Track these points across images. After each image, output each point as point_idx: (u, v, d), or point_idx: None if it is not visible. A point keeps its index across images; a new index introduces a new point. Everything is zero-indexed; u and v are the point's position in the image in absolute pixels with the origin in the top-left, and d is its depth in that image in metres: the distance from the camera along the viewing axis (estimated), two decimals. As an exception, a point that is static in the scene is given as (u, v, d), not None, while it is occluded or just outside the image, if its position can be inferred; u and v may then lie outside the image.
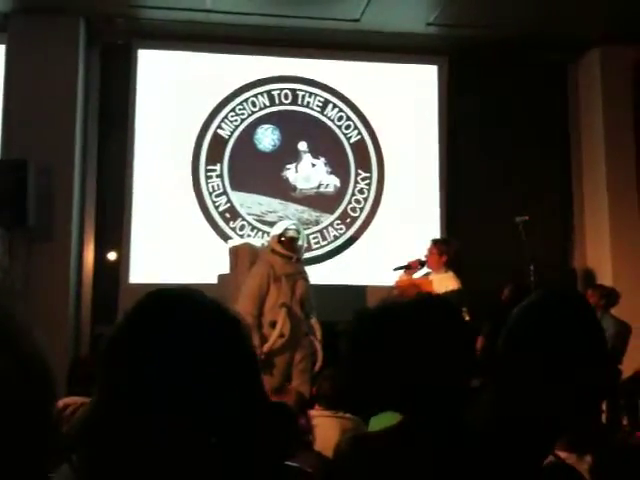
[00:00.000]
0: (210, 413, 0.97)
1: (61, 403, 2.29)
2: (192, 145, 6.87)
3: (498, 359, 1.43)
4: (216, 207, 6.83)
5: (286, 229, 5.44)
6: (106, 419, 0.98)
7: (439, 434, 1.35)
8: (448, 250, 5.58)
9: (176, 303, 1.04)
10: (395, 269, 5.69)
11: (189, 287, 1.07)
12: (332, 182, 7.02)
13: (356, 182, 7.07)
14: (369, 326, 1.46)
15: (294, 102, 7.09)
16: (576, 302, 1.46)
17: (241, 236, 6.65)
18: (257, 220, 6.84)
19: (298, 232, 5.45)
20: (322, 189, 7.00)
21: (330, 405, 3.63)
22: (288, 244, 5.33)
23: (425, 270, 5.68)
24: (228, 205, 6.86)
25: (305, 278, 5.36)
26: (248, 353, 1.05)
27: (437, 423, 1.37)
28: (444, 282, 5.33)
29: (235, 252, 5.74)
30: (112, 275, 6.61)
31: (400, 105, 7.18)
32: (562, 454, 1.83)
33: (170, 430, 0.95)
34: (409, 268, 5.63)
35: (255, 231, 6.80)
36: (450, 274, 5.48)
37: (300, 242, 5.44)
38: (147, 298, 1.04)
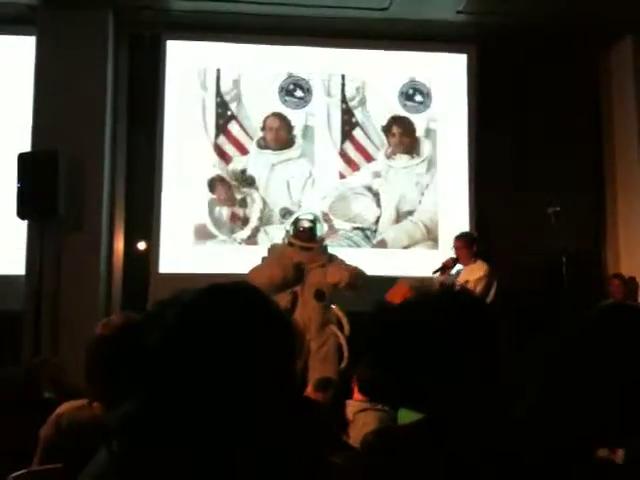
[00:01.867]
0: (250, 407, 0.97)
1: (57, 413, 2.26)
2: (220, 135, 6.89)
3: (549, 362, 1.40)
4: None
5: (299, 219, 5.44)
6: (153, 413, 0.99)
7: (459, 433, 1.34)
8: (474, 240, 5.60)
9: (228, 301, 1.05)
10: (434, 272, 5.66)
11: (240, 283, 1.09)
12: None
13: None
14: (388, 323, 1.44)
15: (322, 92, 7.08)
16: None
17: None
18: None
19: (313, 222, 5.43)
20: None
21: (368, 393, 3.55)
22: (304, 234, 5.32)
23: (458, 266, 5.68)
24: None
25: (325, 267, 5.25)
26: (292, 351, 1.07)
27: (458, 421, 1.35)
28: (474, 271, 5.35)
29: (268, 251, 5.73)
30: (142, 265, 6.67)
31: (429, 94, 7.13)
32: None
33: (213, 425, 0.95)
34: (445, 268, 5.63)
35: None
36: (479, 262, 5.49)
37: (318, 232, 5.42)
38: (201, 296, 1.05)
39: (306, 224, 5.37)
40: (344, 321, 5.20)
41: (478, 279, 5.28)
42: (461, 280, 5.35)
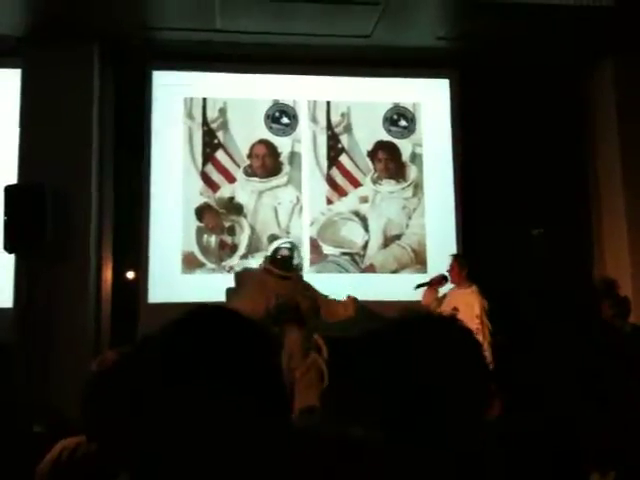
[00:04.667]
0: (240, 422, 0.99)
1: (56, 450, 2.24)
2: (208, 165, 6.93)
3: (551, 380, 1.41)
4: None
5: (278, 248, 5.47)
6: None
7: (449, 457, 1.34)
8: (468, 263, 5.60)
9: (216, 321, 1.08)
10: (417, 286, 5.68)
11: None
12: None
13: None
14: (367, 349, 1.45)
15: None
16: None
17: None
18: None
19: (291, 250, 5.46)
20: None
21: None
22: (282, 263, 5.34)
23: (449, 285, 5.69)
24: (244, 223, 6.91)
25: (305, 295, 5.32)
26: (276, 368, 1.09)
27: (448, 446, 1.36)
28: (467, 297, 5.32)
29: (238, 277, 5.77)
30: (131, 294, 6.65)
31: (413, 119, 7.19)
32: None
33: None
34: (431, 284, 5.64)
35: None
36: (473, 288, 5.49)
37: (296, 260, 5.44)
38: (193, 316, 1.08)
39: (285, 252, 5.40)
40: (323, 347, 5.22)
41: (475, 315, 5.24)
42: (449, 306, 5.34)
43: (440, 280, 5.68)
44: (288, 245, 5.50)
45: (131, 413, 1.19)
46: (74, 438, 2.22)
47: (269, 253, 5.56)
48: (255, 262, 6.66)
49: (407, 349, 1.37)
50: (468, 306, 5.16)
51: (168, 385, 1.02)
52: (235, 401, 1.01)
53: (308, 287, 5.48)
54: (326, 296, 5.49)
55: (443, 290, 5.74)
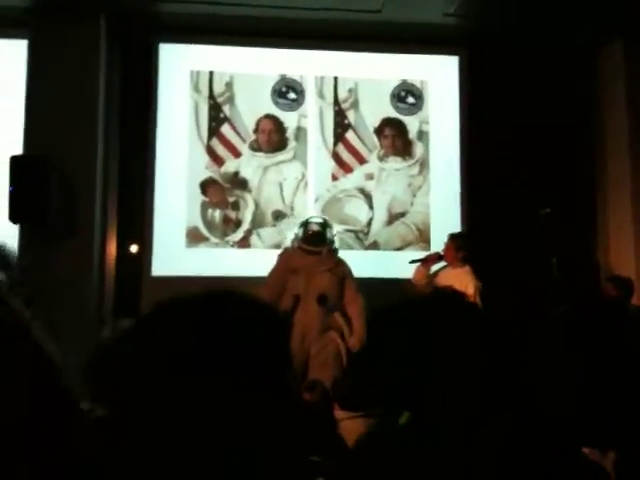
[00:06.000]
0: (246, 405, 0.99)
1: None
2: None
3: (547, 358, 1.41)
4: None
5: (308, 222, 5.45)
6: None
7: (451, 434, 1.34)
8: (465, 245, 5.59)
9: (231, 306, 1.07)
10: (412, 262, 5.70)
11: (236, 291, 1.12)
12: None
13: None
14: (386, 325, 1.45)
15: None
16: None
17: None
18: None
19: (322, 225, 5.44)
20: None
21: (345, 407, 3.58)
22: (311, 238, 5.33)
23: (442, 264, 5.69)
24: (249, 198, 6.90)
25: (332, 271, 5.30)
26: (284, 352, 1.09)
27: (450, 423, 1.36)
28: (460, 277, 5.31)
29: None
30: (134, 268, 6.66)
31: (421, 96, 7.15)
32: (585, 449, 1.81)
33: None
34: (426, 261, 5.65)
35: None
36: (467, 269, 5.49)
37: (328, 235, 5.42)
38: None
39: (315, 227, 5.38)
40: (345, 330, 5.19)
41: (470, 295, 5.24)
42: (443, 283, 5.31)
43: (435, 259, 5.68)
44: (319, 220, 5.48)
45: (136, 389, 1.19)
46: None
47: (297, 229, 5.51)
48: (258, 238, 6.68)
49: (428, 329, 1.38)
50: (462, 285, 5.15)
51: (171, 375, 1.03)
52: (236, 397, 1.00)
53: (340, 264, 5.41)
54: (355, 284, 5.41)
55: (435, 269, 5.74)
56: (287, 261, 5.28)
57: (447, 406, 1.38)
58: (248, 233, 6.78)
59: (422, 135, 7.14)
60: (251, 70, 7.01)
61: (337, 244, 5.70)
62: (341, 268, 5.38)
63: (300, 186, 6.92)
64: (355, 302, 5.28)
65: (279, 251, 5.71)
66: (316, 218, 5.58)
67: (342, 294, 5.30)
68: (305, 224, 5.47)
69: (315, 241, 5.32)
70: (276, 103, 7.04)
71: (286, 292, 5.14)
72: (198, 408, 1.00)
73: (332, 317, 5.20)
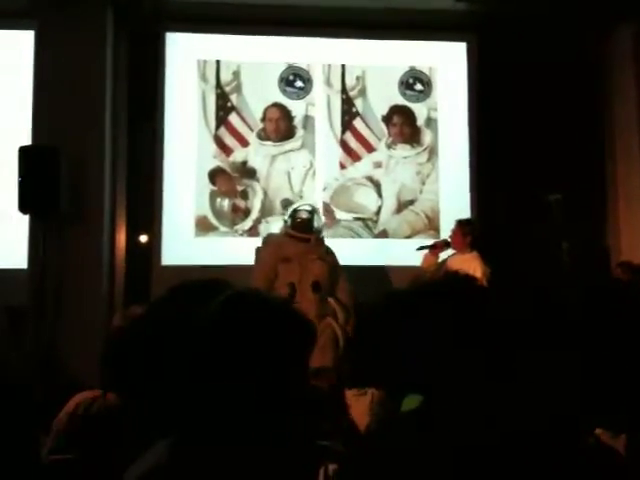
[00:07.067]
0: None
1: (72, 404, 2.26)
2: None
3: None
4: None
5: (297, 210, 5.46)
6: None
7: (460, 418, 1.34)
8: (472, 231, 5.59)
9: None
10: (419, 248, 5.71)
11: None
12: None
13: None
14: (398, 309, 1.45)
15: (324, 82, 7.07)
16: None
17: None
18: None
19: (311, 213, 5.44)
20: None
21: (354, 384, 3.60)
22: (301, 225, 5.34)
23: (450, 251, 5.69)
24: (257, 187, 6.90)
25: (323, 259, 5.32)
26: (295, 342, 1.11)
27: (459, 407, 1.35)
28: (468, 263, 5.31)
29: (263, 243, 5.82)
30: (144, 258, 6.68)
31: (429, 83, 7.12)
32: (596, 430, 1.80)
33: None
34: (434, 248, 5.65)
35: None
36: (474, 254, 5.49)
37: (315, 224, 5.43)
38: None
39: (304, 215, 5.39)
40: (339, 312, 5.23)
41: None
42: (451, 268, 5.32)
43: (443, 245, 5.70)
44: (308, 208, 5.48)
45: (151, 374, 1.20)
46: (89, 392, 2.24)
47: (286, 217, 5.53)
48: (267, 227, 6.68)
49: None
50: (470, 270, 5.14)
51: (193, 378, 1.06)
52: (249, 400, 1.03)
53: (330, 253, 5.45)
54: (343, 273, 5.46)
55: (444, 256, 5.74)
56: (277, 249, 5.29)
57: (456, 391, 1.37)
58: (257, 222, 6.78)
59: (430, 122, 7.11)
60: (258, 59, 6.99)
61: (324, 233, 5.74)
62: (331, 257, 5.42)
63: (308, 174, 6.91)
64: (345, 291, 5.37)
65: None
66: (305, 205, 5.58)
67: (333, 282, 5.33)
68: (294, 212, 5.49)
69: (304, 228, 5.34)
70: (283, 91, 7.02)
71: (279, 280, 5.15)
72: (213, 397, 1.00)
73: (327, 303, 5.24)
